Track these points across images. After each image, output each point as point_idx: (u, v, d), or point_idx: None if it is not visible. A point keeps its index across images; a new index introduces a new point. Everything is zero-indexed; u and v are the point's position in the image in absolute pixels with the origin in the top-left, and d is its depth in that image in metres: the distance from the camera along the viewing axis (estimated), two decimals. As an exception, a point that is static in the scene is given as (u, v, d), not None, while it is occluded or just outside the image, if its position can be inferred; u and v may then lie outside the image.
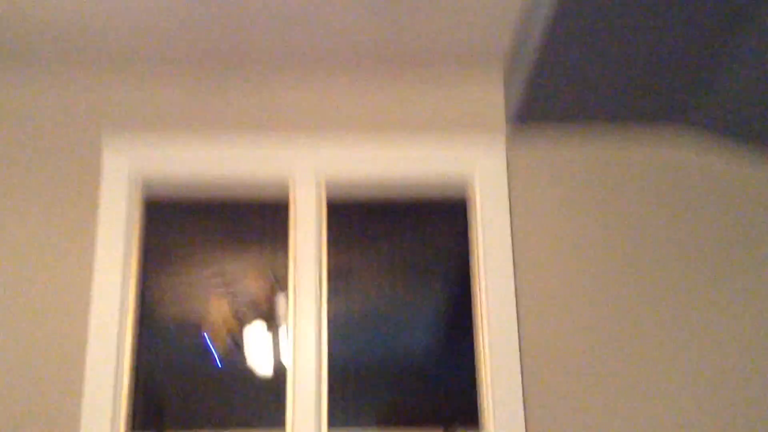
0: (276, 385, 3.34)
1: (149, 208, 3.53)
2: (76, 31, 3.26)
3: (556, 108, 3.37)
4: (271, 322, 3.45)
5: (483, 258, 3.42)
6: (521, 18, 3.18)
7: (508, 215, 3.46)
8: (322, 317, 3.39)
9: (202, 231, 3.54)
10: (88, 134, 3.48)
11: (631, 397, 3.23)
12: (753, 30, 2.75)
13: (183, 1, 3.08)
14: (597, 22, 2.76)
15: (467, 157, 3.55)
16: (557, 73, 3.09)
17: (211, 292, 3.45)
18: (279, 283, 3.45)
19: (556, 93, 3.25)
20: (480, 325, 3.42)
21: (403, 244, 3.56)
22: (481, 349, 3.39)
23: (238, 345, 3.40)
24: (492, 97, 3.59)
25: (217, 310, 3.43)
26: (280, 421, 3.29)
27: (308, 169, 3.53)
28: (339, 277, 3.49)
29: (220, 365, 3.35)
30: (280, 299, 3.46)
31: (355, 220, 3.59)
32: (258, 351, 3.42)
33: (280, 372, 3.37)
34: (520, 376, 3.26)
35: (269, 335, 3.44)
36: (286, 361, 3.35)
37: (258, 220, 3.56)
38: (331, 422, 3.29)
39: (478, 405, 3.35)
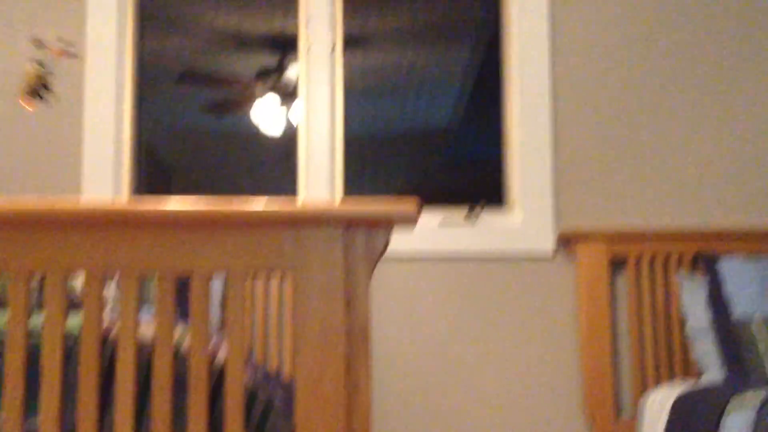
0: (287, 152, 3.09)
1: None
2: None
3: None
4: (282, 85, 3.19)
5: (515, 14, 3.04)
6: None
7: None
8: (336, 80, 3.09)
9: None
10: None
11: (661, 177, 3.00)
12: None
13: None
14: None
15: None
16: None
17: (216, 47, 3.14)
18: (289, 41, 3.14)
19: None
20: (509, 93, 3.09)
21: (425, 3, 3.15)
22: (510, 120, 3.08)
23: (244, 108, 3.16)
24: None
25: (220, 67, 3.16)
26: (291, 189, 3.08)
27: None
28: (355, 39, 3.14)
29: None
30: (291, 61, 3.17)
31: None
32: (268, 115, 3.16)
33: (291, 138, 3.12)
34: (550, 152, 2.99)
35: (280, 99, 3.18)
36: (299, 126, 3.10)
37: None
38: (347, 192, 3.07)
39: (504, 182, 3.10)
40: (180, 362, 1.35)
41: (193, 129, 3.17)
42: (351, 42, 3.15)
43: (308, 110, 3.06)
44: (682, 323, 2.84)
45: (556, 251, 2.96)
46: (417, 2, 3.17)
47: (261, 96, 3.18)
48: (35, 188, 2.95)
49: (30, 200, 1.24)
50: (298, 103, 3.15)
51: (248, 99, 3.20)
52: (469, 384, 2.91)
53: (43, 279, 1.33)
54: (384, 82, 3.18)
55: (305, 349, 1.35)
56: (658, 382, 2.82)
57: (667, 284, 2.90)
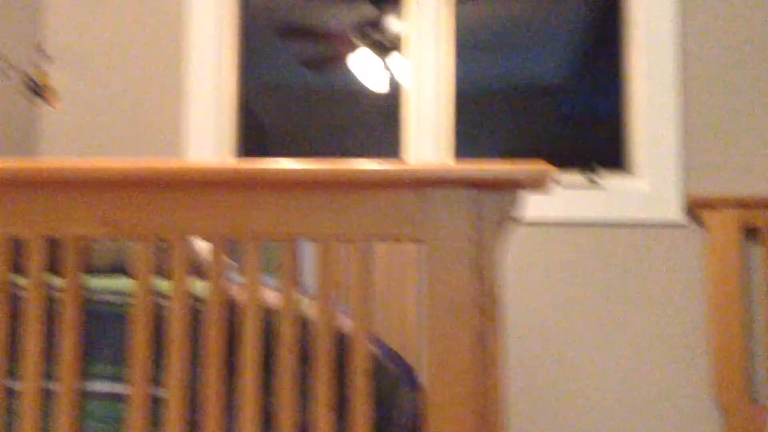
0: (389, 109, 2.95)
1: None
2: None
3: None
4: (384, 38, 3.08)
5: None
6: None
7: None
8: (445, 34, 2.94)
9: None
10: None
11: None
12: None
13: None
14: None
15: None
16: None
17: (319, 4, 3.06)
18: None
19: None
20: (631, 46, 2.89)
21: None
22: (632, 76, 2.89)
23: (344, 62, 3.06)
24: None
25: (321, 20, 3.08)
26: (393, 147, 2.96)
27: None
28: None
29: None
30: (393, 13, 3.01)
31: None
32: (369, 70, 3.03)
33: (393, 94, 2.98)
34: (678, 111, 2.80)
35: (381, 53, 3.06)
36: (404, 83, 2.94)
37: None
38: (455, 153, 2.93)
39: (625, 145, 2.92)
40: (304, 329, 1.29)
41: (291, 86, 3.11)
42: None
43: (415, 66, 2.95)
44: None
45: (683, 219, 2.80)
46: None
47: (361, 50, 3.09)
48: (135, 150, 2.95)
49: (153, 161, 1.20)
50: (399, 58, 3.04)
51: (348, 53, 3.11)
52: (589, 356, 2.79)
53: (165, 243, 1.29)
54: (493, 35, 3.04)
55: (434, 319, 1.28)
56: (793, 360, 2.64)
57: (806, 255, 2.70)
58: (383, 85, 3.07)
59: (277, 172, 1.22)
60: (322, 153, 3.06)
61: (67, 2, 3.00)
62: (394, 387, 1.37)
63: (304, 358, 1.26)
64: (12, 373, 1.23)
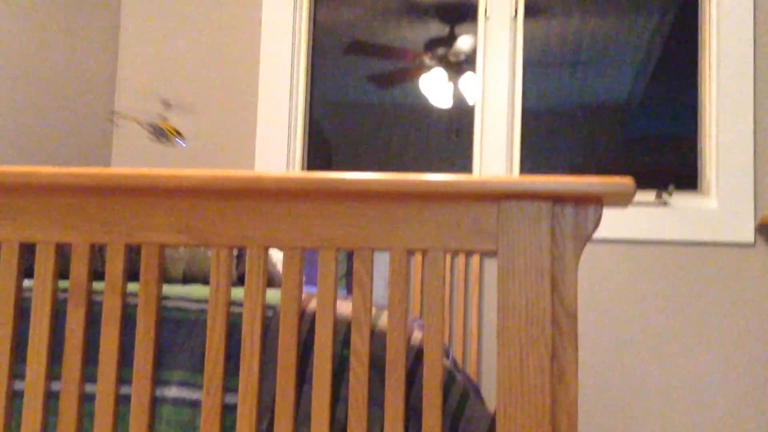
0: (456, 126, 2.98)
1: None
2: None
3: None
4: (452, 56, 3.07)
5: None
6: None
7: None
8: (515, 51, 2.96)
9: None
10: None
11: None
12: None
13: None
14: None
15: None
16: None
17: (386, 17, 3.05)
18: (461, 10, 3.01)
19: None
20: (705, 65, 2.87)
21: None
22: (705, 95, 2.86)
23: (412, 79, 3.04)
24: None
25: (389, 37, 3.05)
26: (460, 164, 2.97)
27: None
28: (535, 6, 2.98)
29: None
30: (462, 31, 3.03)
31: None
32: (436, 87, 3.05)
33: (460, 111, 3.01)
34: (752, 130, 2.74)
35: (449, 70, 3.06)
36: (475, 99, 2.97)
37: None
38: (523, 170, 2.94)
39: (699, 166, 2.87)
40: (376, 340, 1.28)
41: (358, 102, 3.12)
42: (531, 10, 3.01)
43: (485, 83, 2.94)
44: None
45: (754, 238, 2.73)
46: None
47: (429, 67, 3.10)
48: (208, 163, 2.99)
49: (232, 171, 1.21)
50: (468, 76, 3.04)
51: (416, 70, 3.12)
52: (658, 374, 2.73)
53: (242, 252, 1.29)
54: (564, 52, 3.02)
55: (506, 332, 1.26)
56: None
57: None
58: (450, 102, 3.07)
59: (354, 182, 1.22)
60: (387, 167, 3.06)
61: (147, 34, 3.06)
62: (464, 399, 1.35)
63: (377, 369, 1.25)
64: (88, 376, 1.25)
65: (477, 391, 1.54)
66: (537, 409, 1.25)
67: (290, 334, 1.22)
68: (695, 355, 2.73)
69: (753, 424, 2.68)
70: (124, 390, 1.22)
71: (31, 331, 1.16)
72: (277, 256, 1.50)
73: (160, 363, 1.25)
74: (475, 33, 3.01)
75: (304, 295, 1.31)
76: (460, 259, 2.79)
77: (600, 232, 2.78)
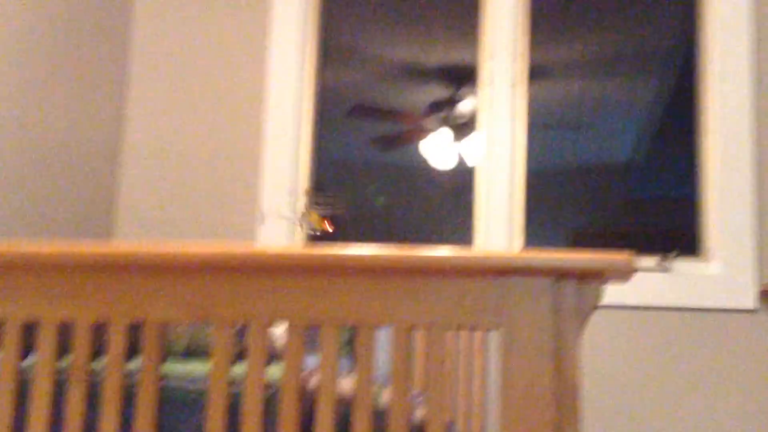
0: (459, 189, 2.98)
1: None
2: None
3: None
4: (455, 118, 3.12)
5: (714, 37, 2.82)
6: None
7: None
8: (517, 115, 2.95)
9: (382, 16, 3.10)
10: None
11: None
12: None
13: None
14: None
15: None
16: None
17: (389, 79, 3.10)
18: (464, 73, 3.02)
19: None
20: (705, 127, 2.86)
21: (613, 31, 2.98)
22: (706, 158, 2.86)
23: (415, 142, 3.09)
24: None
25: (393, 99, 3.10)
26: (463, 225, 2.95)
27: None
28: (537, 70, 3.01)
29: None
30: (465, 94, 3.06)
31: (557, 4, 3.05)
32: (439, 149, 3.07)
33: (463, 174, 3.00)
34: (753, 194, 2.74)
35: (452, 133, 3.10)
36: (477, 162, 2.96)
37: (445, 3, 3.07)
38: (525, 244, 2.91)
39: (699, 231, 2.86)
40: (378, 417, 1.27)
41: (363, 164, 3.14)
42: (533, 73, 3.04)
43: (488, 145, 2.96)
44: None
45: (757, 304, 2.72)
46: (602, 31, 3.03)
47: (432, 130, 3.12)
48: (212, 231, 2.99)
49: (235, 246, 1.22)
50: (471, 138, 3.06)
51: (420, 132, 3.14)
52: (659, 446, 2.70)
53: (244, 328, 1.29)
54: (566, 115, 3.04)
55: (510, 410, 1.25)
56: None
57: None
58: (454, 164, 3.09)
59: (356, 258, 1.22)
60: (395, 231, 3.07)
61: (150, 93, 3.10)
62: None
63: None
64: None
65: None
66: (541, 487, 1.24)
67: (291, 413, 1.21)
68: (699, 422, 2.70)
69: (760, 494, 2.64)
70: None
71: (30, 410, 1.15)
72: (276, 329, 1.49)
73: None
74: (480, 95, 3.04)
75: (305, 372, 1.31)
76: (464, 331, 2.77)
77: (604, 299, 2.77)
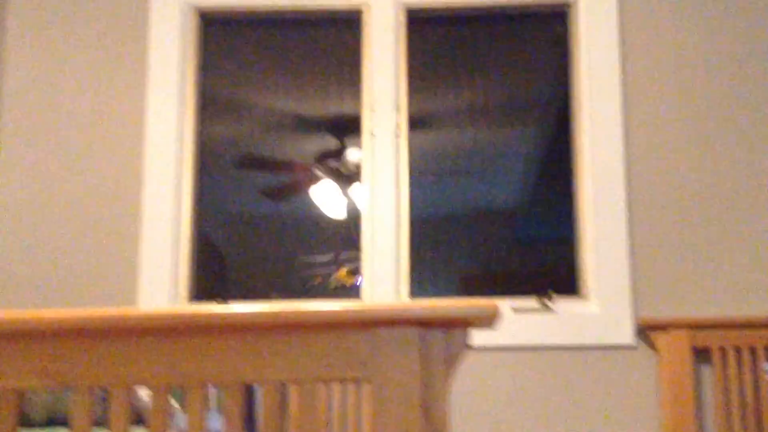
0: (350, 237, 3.01)
1: (206, 25, 3.14)
2: None
3: None
4: (343, 168, 3.13)
5: (586, 92, 2.95)
6: None
7: (616, 30, 2.96)
8: (400, 165, 3.03)
9: (267, 68, 3.13)
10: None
11: (746, 261, 2.83)
12: None
13: None
14: None
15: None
16: None
17: (275, 131, 3.10)
18: (350, 124, 3.07)
19: None
20: (580, 174, 2.98)
21: (495, 83, 3.07)
22: (582, 203, 2.97)
23: (304, 192, 3.10)
24: None
25: (279, 150, 3.10)
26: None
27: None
28: (419, 120, 3.08)
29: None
30: (352, 144, 3.09)
31: (438, 50, 3.12)
32: (329, 198, 3.10)
33: (354, 222, 3.04)
34: (626, 235, 2.85)
35: (341, 182, 3.11)
36: (362, 211, 3.03)
37: (329, 45, 3.13)
38: (412, 291, 2.96)
39: (577, 272, 2.96)
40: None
41: (251, 215, 3.13)
42: (415, 123, 3.11)
43: (372, 196, 3.00)
44: (776, 418, 2.65)
45: (635, 341, 2.82)
46: (483, 82, 3.13)
47: (321, 179, 3.14)
48: (90, 295, 2.92)
49: (92, 310, 1.19)
50: (360, 188, 3.09)
51: (308, 182, 3.16)
52: (548, 485, 2.74)
53: (106, 392, 1.26)
54: (449, 162, 3.11)
55: (381, 462, 1.25)
56: (752, 483, 2.62)
57: (756, 377, 2.72)
58: (341, 212, 3.11)
59: (219, 317, 1.21)
60: (284, 282, 3.05)
61: (22, 148, 3.01)
62: None
63: None
64: None
65: None
66: None
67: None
68: (586, 459, 2.76)
69: None
70: None
71: None
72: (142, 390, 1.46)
73: None
74: (363, 146, 3.08)
75: (172, 434, 1.28)
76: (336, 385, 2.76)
77: (486, 339, 2.82)
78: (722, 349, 2.72)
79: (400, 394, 1.26)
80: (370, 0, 3.11)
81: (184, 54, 3.07)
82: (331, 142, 3.16)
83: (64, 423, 1.36)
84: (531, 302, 2.90)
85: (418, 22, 3.15)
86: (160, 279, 2.88)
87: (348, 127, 3.14)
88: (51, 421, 1.34)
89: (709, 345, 2.70)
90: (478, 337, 2.82)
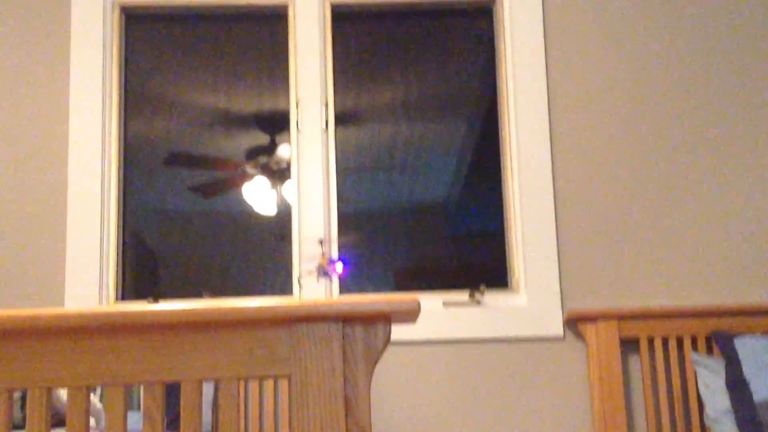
0: (281, 232, 3.01)
1: (129, 21, 3.11)
2: None
3: None
4: (274, 164, 3.11)
5: (511, 89, 2.98)
6: None
7: (541, 26, 3.01)
8: (328, 159, 3.04)
9: (195, 64, 3.09)
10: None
11: (672, 253, 2.90)
12: None
13: None
14: None
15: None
16: None
17: (204, 128, 3.07)
18: (280, 120, 3.05)
19: None
20: (507, 169, 3.02)
21: (423, 78, 3.09)
22: (509, 197, 3.01)
23: (235, 188, 3.08)
24: None
25: (210, 148, 3.07)
26: (287, 269, 2.99)
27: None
28: (348, 115, 3.09)
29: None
30: (283, 140, 3.07)
31: (364, 46, 3.14)
32: (260, 195, 3.09)
33: (286, 217, 3.03)
34: (554, 229, 2.91)
35: (272, 178, 3.10)
36: (292, 207, 3.01)
37: (256, 41, 3.10)
38: (347, 287, 2.96)
39: (507, 265, 3.00)
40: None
41: (181, 214, 3.11)
42: (343, 119, 3.11)
43: (301, 191, 3.00)
44: (702, 406, 2.72)
45: (564, 333, 2.87)
46: (411, 77, 3.15)
47: (252, 176, 3.13)
48: (18, 296, 2.86)
49: (7, 310, 1.17)
50: (290, 183, 3.09)
51: (239, 179, 3.15)
52: (481, 476, 2.78)
53: (24, 394, 1.24)
54: (379, 158, 3.13)
55: (304, 457, 1.26)
56: (677, 468, 2.69)
57: (682, 366, 2.79)
58: (273, 208, 3.10)
59: (137, 315, 1.21)
60: (216, 277, 3.04)
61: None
62: None
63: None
64: None
65: None
66: None
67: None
68: (517, 449, 2.80)
69: None
70: None
71: None
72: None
73: None
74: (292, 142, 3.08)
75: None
76: (255, 384, 2.77)
77: (417, 334, 2.84)
78: (649, 339, 2.79)
79: (322, 391, 1.27)
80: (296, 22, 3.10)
81: (108, 51, 3.03)
82: (261, 138, 3.15)
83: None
84: (463, 296, 2.93)
85: (343, 18, 3.16)
86: (87, 278, 2.84)
87: (278, 123, 3.14)
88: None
89: (636, 335, 2.77)
90: (407, 331, 2.84)
